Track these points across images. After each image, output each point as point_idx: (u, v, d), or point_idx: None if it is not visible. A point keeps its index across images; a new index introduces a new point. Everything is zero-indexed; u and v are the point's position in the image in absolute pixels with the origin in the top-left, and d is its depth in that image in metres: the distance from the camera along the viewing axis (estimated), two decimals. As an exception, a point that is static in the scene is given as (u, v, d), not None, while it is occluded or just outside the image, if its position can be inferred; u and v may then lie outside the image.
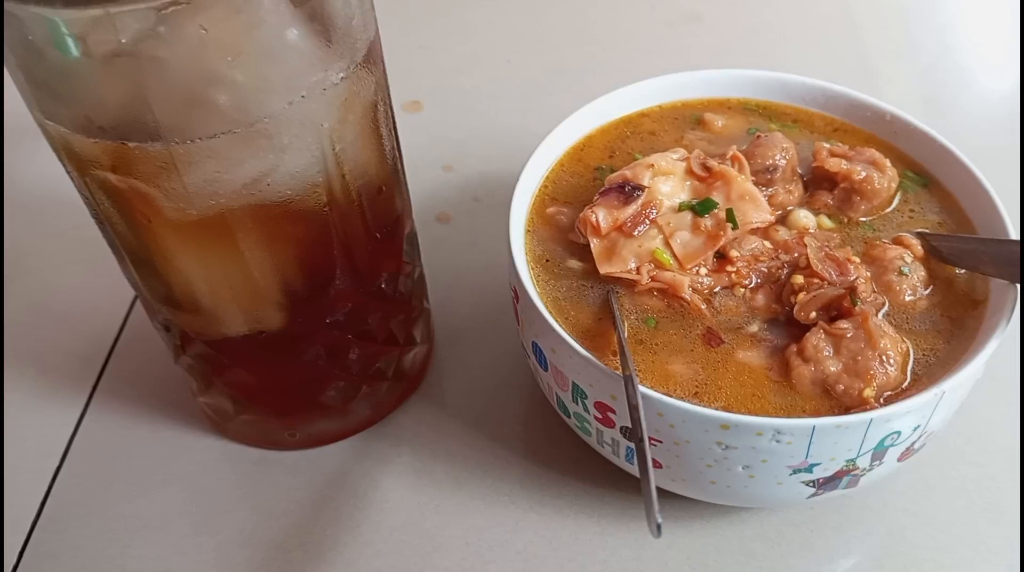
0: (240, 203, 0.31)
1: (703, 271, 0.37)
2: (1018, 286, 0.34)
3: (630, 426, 0.34)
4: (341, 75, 0.31)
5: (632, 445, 0.35)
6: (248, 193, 0.31)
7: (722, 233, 0.36)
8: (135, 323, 0.49)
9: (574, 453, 0.41)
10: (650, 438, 0.33)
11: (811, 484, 0.34)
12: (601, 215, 0.37)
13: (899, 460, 0.34)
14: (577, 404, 0.36)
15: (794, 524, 0.39)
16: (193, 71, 0.28)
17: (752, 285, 0.37)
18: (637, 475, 0.37)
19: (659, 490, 0.39)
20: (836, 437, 0.31)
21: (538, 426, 0.43)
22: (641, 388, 0.31)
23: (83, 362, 0.47)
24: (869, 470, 0.34)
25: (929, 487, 0.40)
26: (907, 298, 0.36)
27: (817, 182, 0.40)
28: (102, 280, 0.51)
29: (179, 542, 0.39)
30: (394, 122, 0.37)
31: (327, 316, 0.37)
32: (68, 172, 0.32)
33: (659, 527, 0.25)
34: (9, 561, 0.39)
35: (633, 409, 0.30)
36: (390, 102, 0.36)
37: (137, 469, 0.42)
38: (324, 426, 0.42)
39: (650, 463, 0.28)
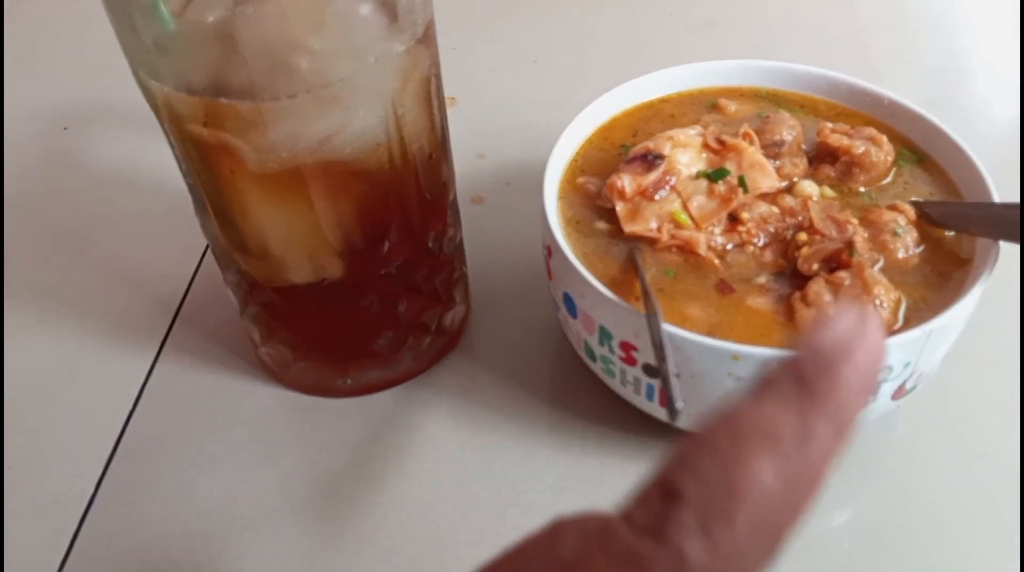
0: (314, 158, 0.36)
1: (717, 230, 0.41)
2: (1000, 243, 0.38)
3: (651, 363, 0.38)
4: (404, 47, 0.36)
5: (652, 382, 0.39)
6: (321, 148, 0.36)
7: (734, 197, 0.41)
8: (198, 289, 0.53)
9: (598, 401, 0.45)
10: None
11: (813, 417, 0.38)
12: (626, 181, 0.41)
13: (893, 398, 0.38)
14: (603, 346, 0.40)
15: (799, 463, 0.43)
16: (280, 39, 0.33)
17: (761, 243, 0.41)
18: (656, 414, 0.42)
19: (675, 430, 0.43)
20: (834, 368, 0.35)
21: (565, 378, 0.47)
22: (663, 325, 0.35)
23: (152, 321, 0.51)
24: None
25: (928, 435, 0.44)
26: (900, 255, 0.40)
27: (820, 157, 0.44)
28: (168, 252, 0.56)
29: (244, 472, 0.43)
30: (443, 98, 0.42)
31: (382, 268, 0.41)
32: (164, 129, 0.37)
33: (678, 411, 0.29)
34: (89, 488, 0.43)
35: (658, 346, 0.34)
36: (440, 78, 0.41)
37: (203, 413, 0.46)
38: (373, 375, 0.46)
39: (671, 364, 0.32)
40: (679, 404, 0.29)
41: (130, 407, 0.47)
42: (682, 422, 0.40)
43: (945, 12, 0.79)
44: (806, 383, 0.18)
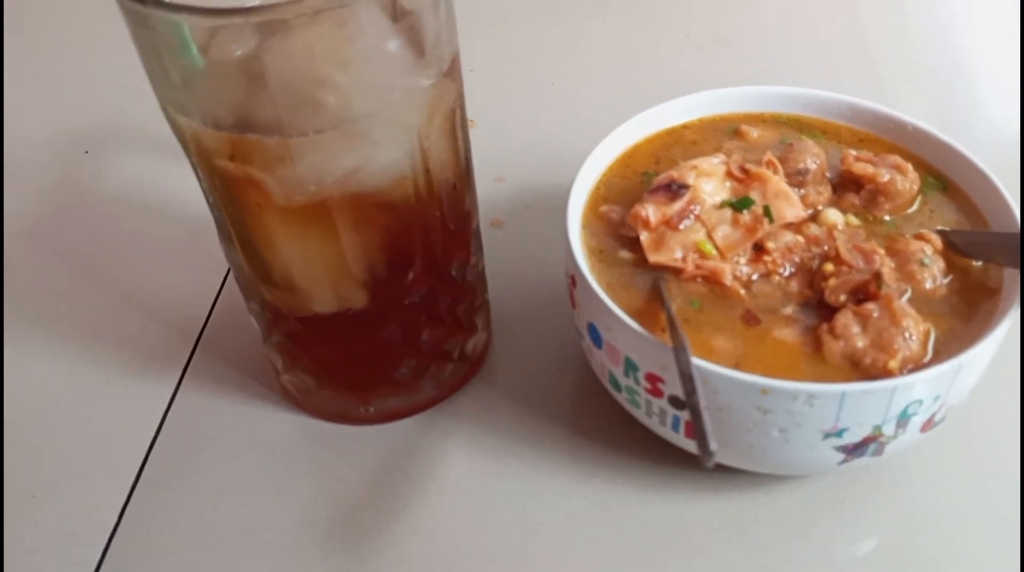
0: (339, 191, 0.36)
1: (742, 261, 0.41)
2: (1029, 274, 0.38)
3: (678, 395, 0.38)
4: (430, 82, 0.36)
5: (678, 414, 0.39)
6: (347, 182, 0.36)
7: (759, 226, 0.41)
8: (220, 314, 0.53)
9: (620, 430, 0.45)
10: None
11: (841, 449, 0.37)
12: (650, 210, 0.41)
13: (922, 431, 0.38)
14: (629, 378, 0.40)
15: (826, 492, 0.42)
16: (307, 75, 0.33)
17: (787, 273, 0.41)
18: (681, 445, 0.41)
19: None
20: (863, 402, 0.35)
21: (586, 405, 0.47)
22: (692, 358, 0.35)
23: (174, 347, 0.51)
24: (894, 438, 0.38)
25: (954, 463, 0.43)
26: (928, 286, 0.40)
27: (845, 185, 0.44)
28: (189, 277, 0.56)
29: (266, 499, 0.43)
30: (467, 128, 0.42)
31: (405, 298, 0.41)
32: (192, 163, 0.37)
33: (712, 453, 0.29)
34: (112, 518, 0.43)
35: (687, 379, 0.34)
36: (464, 108, 0.41)
37: (225, 440, 0.46)
38: (395, 402, 0.46)
39: (701, 397, 0.31)
40: (713, 445, 0.29)
41: (153, 435, 0.47)
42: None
43: (948, 17, 0.79)
44: None
